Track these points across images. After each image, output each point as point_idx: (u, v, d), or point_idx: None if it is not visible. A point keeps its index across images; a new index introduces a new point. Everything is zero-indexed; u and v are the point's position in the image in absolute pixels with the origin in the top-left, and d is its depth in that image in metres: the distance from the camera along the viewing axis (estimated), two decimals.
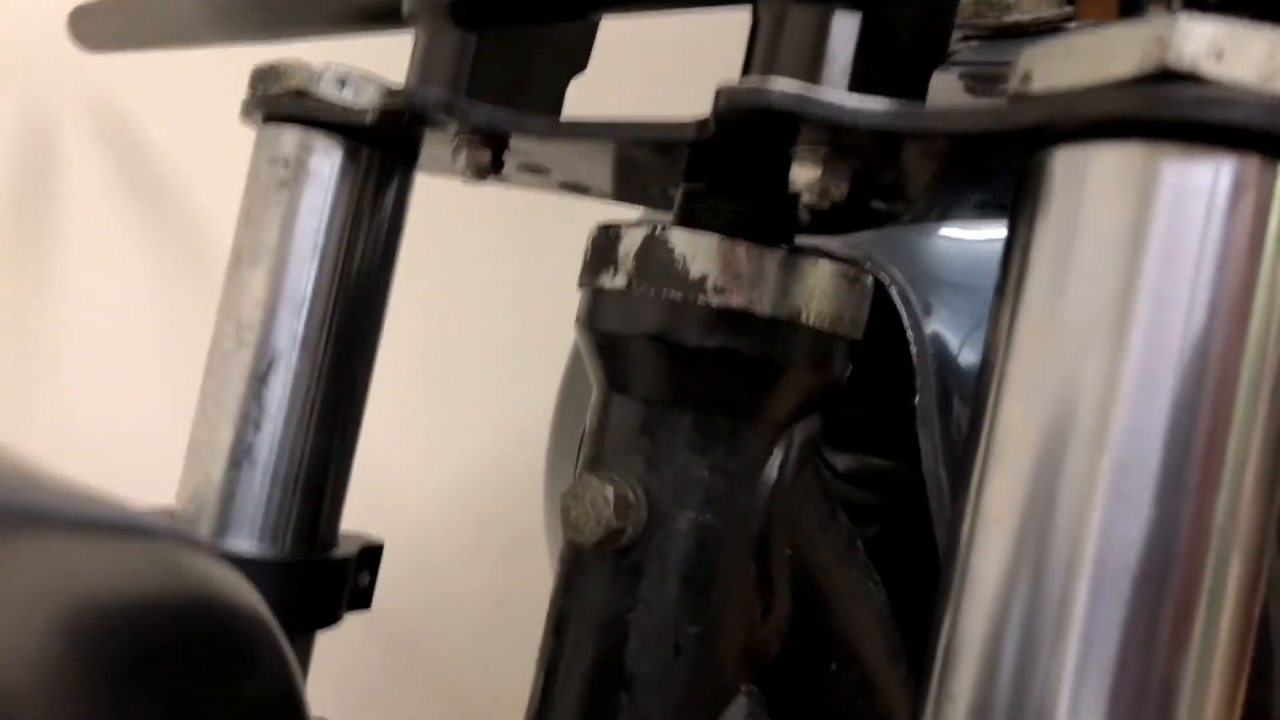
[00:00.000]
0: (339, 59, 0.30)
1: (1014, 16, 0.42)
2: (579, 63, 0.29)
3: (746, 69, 0.21)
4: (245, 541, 0.30)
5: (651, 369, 0.25)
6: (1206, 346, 0.16)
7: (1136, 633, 0.16)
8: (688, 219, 0.25)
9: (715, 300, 0.23)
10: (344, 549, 0.32)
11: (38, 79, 0.56)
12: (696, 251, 0.24)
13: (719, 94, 0.21)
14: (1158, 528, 0.16)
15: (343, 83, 0.30)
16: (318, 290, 0.30)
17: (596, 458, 0.26)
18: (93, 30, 0.51)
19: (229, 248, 0.31)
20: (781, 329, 0.24)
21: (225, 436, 0.30)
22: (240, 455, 0.30)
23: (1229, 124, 0.15)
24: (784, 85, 0.20)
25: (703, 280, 0.23)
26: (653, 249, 0.24)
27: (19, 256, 0.56)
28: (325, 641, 0.31)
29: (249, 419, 0.30)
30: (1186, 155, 0.15)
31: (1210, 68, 0.15)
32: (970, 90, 0.41)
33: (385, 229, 0.31)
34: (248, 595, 0.20)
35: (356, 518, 0.33)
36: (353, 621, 0.32)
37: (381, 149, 0.31)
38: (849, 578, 0.28)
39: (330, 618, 0.31)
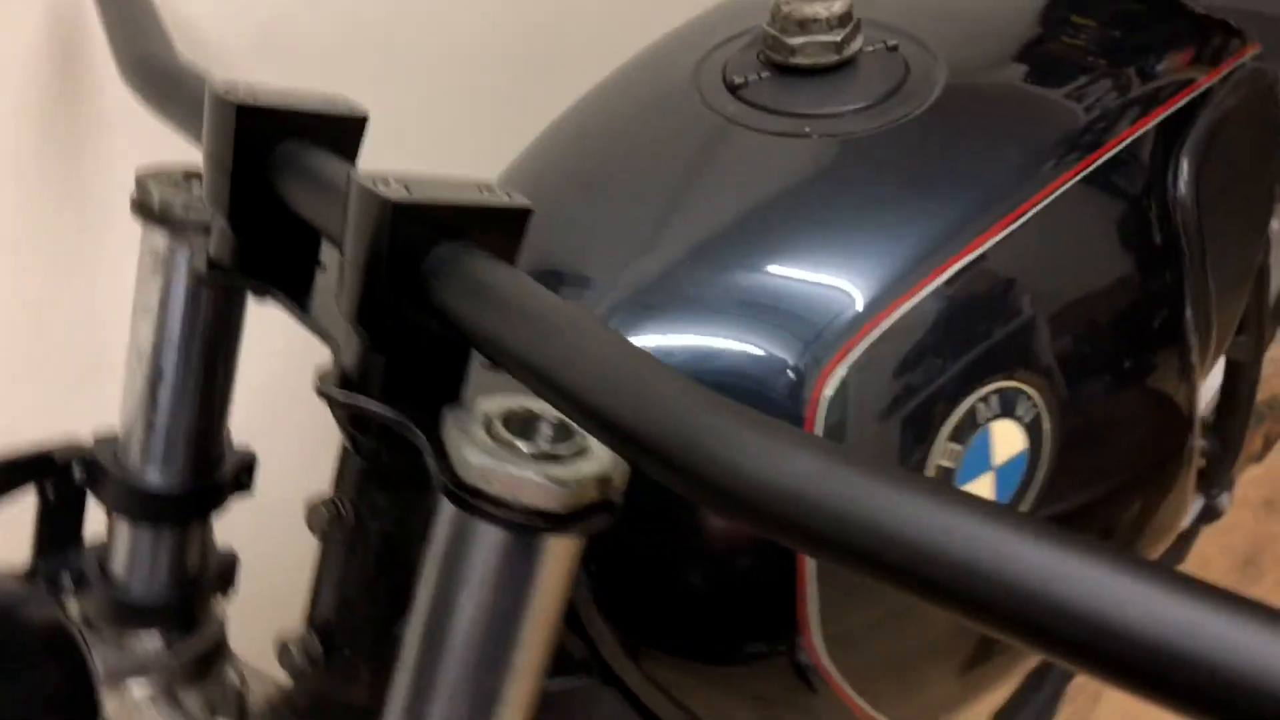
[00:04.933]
0: None
1: (798, 59, 0.52)
2: None
3: None
4: (157, 476, 0.49)
5: (360, 448, 0.41)
6: None
7: None
8: None
9: None
10: (225, 467, 0.51)
11: None
12: None
13: None
14: None
15: (186, 207, 0.44)
16: (186, 328, 0.47)
17: (337, 483, 0.43)
18: None
19: None
20: None
21: (140, 419, 0.48)
22: (147, 429, 0.48)
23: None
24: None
25: None
26: None
27: None
28: None
29: (152, 408, 0.48)
30: None
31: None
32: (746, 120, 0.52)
33: None
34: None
35: None
36: None
37: None
38: None
39: (213, 506, 0.51)
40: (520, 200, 0.35)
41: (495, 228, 0.34)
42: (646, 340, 0.47)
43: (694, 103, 0.54)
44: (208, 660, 0.52)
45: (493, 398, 0.34)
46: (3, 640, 0.35)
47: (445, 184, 0.34)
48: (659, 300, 0.49)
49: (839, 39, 0.52)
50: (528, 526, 0.31)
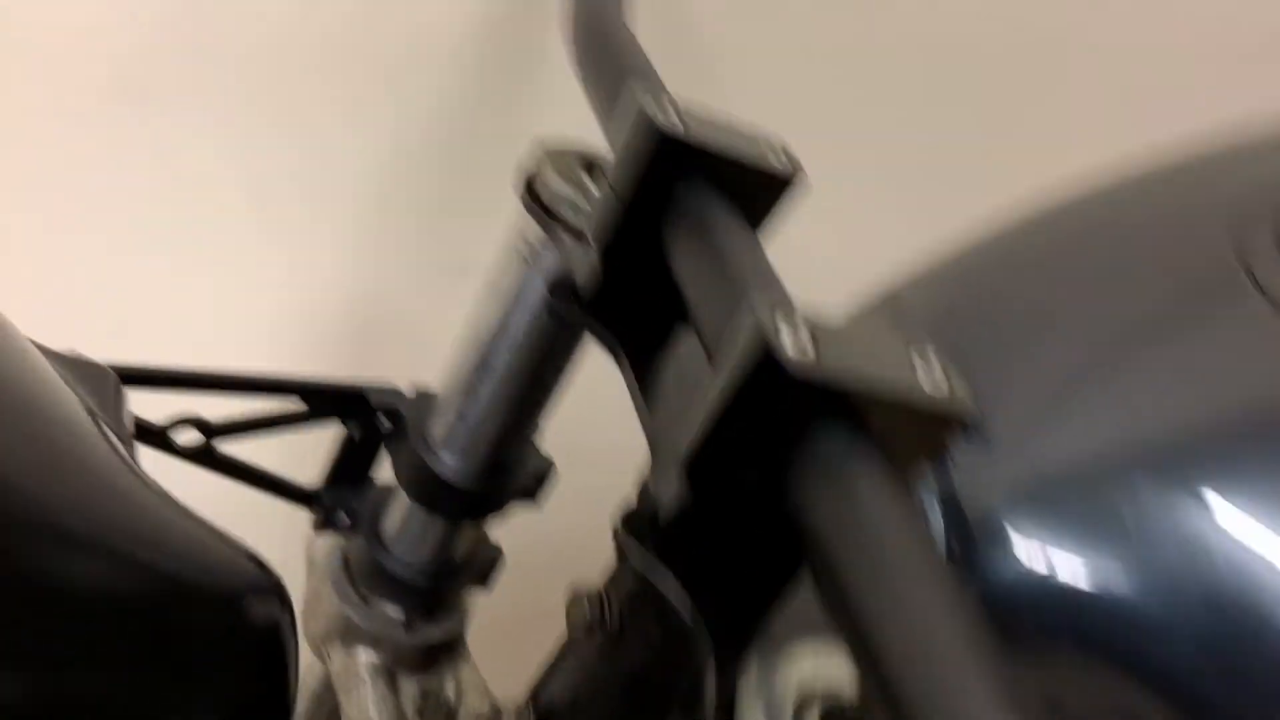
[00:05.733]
0: None
1: None
2: None
3: None
4: (450, 464, 0.45)
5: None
6: None
7: None
8: None
9: None
10: (521, 473, 0.46)
11: None
12: None
13: None
14: None
15: (575, 207, 0.38)
16: (528, 328, 0.41)
17: (611, 581, 0.36)
18: None
19: None
20: None
21: (455, 401, 0.44)
22: (458, 415, 0.44)
23: None
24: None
25: None
26: None
27: None
28: None
29: (469, 396, 0.43)
30: None
31: None
32: None
33: None
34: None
35: None
36: None
37: None
38: None
39: (495, 510, 0.47)
40: (960, 405, 0.24)
41: (914, 430, 0.24)
42: (1029, 554, 0.35)
43: (1228, 269, 0.39)
44: (437, 653, 0.48)
45: (816, 655, 0.24)
46: (215, 629, 0.31)
47: (871, 343, 0.25)
48: (1073, 500, 0.36)
49: None
50: None
